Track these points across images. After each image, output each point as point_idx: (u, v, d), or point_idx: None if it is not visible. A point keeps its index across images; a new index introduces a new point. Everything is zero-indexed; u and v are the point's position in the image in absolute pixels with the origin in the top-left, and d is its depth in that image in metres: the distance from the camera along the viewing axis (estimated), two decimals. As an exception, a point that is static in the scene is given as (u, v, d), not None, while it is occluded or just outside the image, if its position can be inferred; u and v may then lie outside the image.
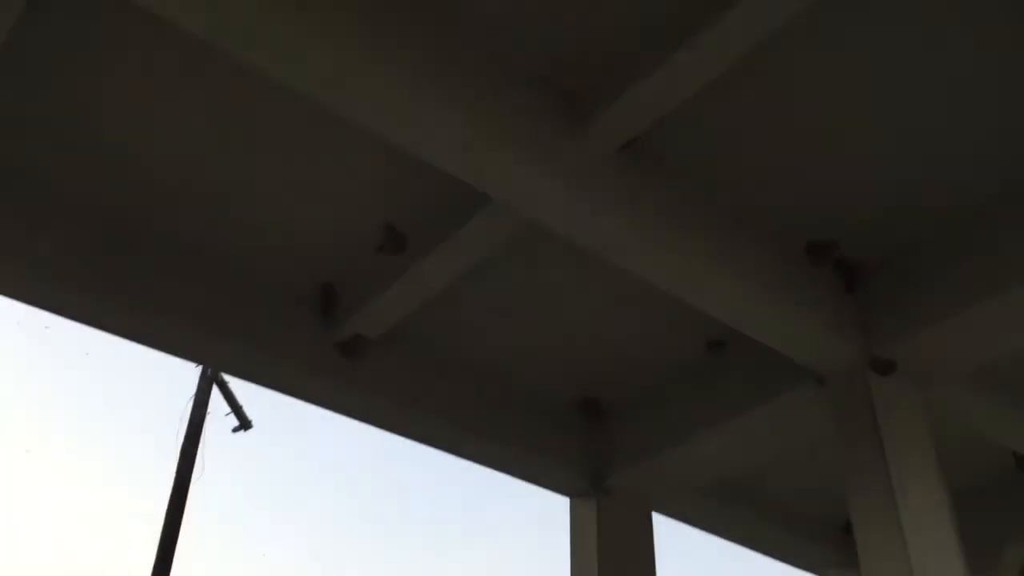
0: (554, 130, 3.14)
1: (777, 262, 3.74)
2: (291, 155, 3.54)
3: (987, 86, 3.19)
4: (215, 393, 13.61)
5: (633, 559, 4.79)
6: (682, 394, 4.64)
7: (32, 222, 3.59)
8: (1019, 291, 3.42)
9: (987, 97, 3.22)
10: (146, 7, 2.54)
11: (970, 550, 3.50)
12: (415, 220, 3.79)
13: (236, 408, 14.52)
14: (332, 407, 4.34)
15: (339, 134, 3.41)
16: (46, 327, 23.60)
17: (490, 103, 2.99)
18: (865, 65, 3.12)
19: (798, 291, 3.73)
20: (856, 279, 3.94)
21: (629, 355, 4.61)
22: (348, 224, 3.87)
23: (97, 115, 3.38)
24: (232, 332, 3.96)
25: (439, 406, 4.47)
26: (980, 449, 5.05)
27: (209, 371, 13.37)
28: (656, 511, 5.06)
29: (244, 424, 14.59)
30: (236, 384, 14.45)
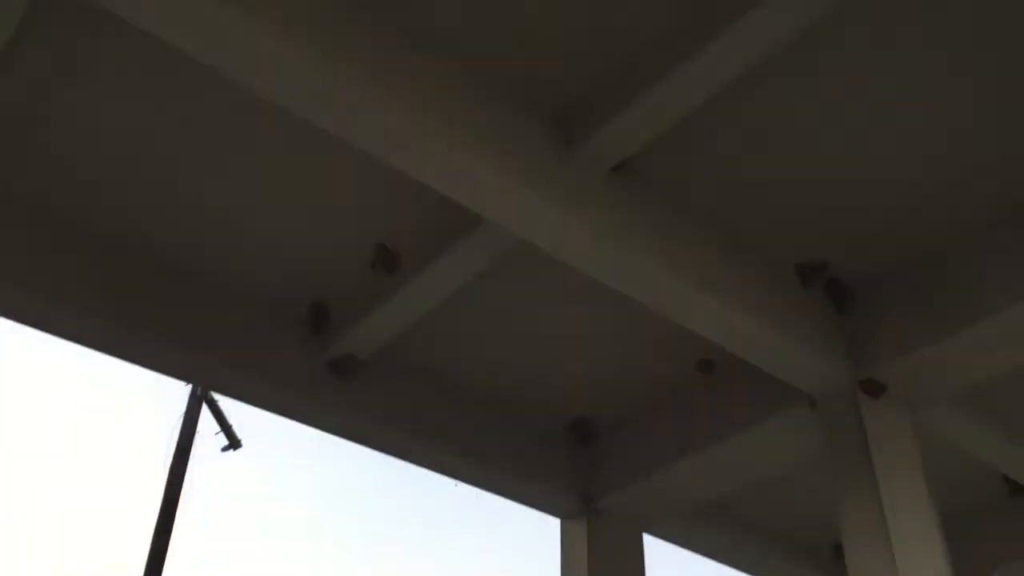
0: (546, 153, 3.16)
1: (767, 283, 3.75)
2: (283, 174, 3.55)
3: (972, 113, 3.22)
4: (204, 412, 13.55)
5: (623, 581, 4.77)
6: (673, 416, 4.64)
7: (24, 241, 3.58)
8: (1008, 314, 3.44)
9: (975, 124, 3.26)
10: (152, 31, 2.55)
11: (960, 573, 3.50)
12: (407, 240, 3.80)
13: (226, 427, 14.45)
14: (322, 426, 4.32)
15: (331, 154, 3.43)
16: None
17: (484, 127, 3.01)
18: (857, 90, 3.15)
19: (789, 313, 3.74)
20: (846, 301, 3.96)
21: (620, 376, 4.62)
22: (339, 243, 3.87)
23: (94, 135, 3.39)
24: (221, 350, 3.94)
25: (429, 426, 4.46)
26: (970, 472, 5.06)
27: (199, 390, 13.32)
28: (647, 532, 5.05)
29: (233, 443, 14.51)
30: (226, 403, 14.39)
